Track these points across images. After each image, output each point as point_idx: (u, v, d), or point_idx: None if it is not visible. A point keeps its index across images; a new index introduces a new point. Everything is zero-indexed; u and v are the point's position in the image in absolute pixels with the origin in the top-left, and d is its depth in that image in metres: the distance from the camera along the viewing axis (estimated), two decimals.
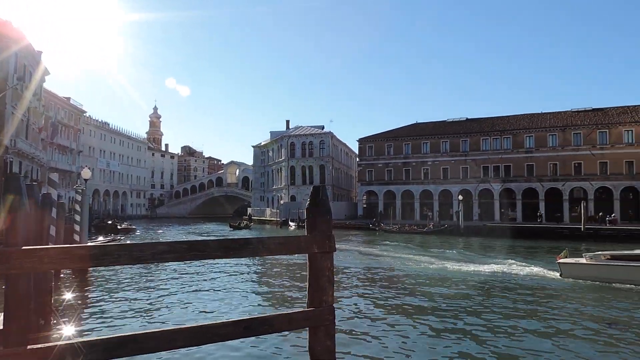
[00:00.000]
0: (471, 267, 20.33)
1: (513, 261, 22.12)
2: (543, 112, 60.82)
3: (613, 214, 46.61)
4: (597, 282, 15.69)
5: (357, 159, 69.18)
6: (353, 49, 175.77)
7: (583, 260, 16.60)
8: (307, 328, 4.23)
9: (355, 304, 12.68)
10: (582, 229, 38.66)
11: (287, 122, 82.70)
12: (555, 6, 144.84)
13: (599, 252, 16.74)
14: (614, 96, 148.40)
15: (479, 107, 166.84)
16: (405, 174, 62.08)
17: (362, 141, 66.27)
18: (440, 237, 40.49)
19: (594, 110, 57.27)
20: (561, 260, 17.09)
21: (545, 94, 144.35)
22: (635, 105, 55.23)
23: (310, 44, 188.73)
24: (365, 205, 65.92)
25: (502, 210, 55.51)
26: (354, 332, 9.72)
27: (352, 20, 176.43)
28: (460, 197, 51.10)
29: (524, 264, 21.22)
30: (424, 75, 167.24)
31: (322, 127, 76.98)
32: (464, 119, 64.50)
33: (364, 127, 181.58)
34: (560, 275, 16.98)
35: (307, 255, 4.24)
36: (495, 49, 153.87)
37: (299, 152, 73.67)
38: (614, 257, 16.04)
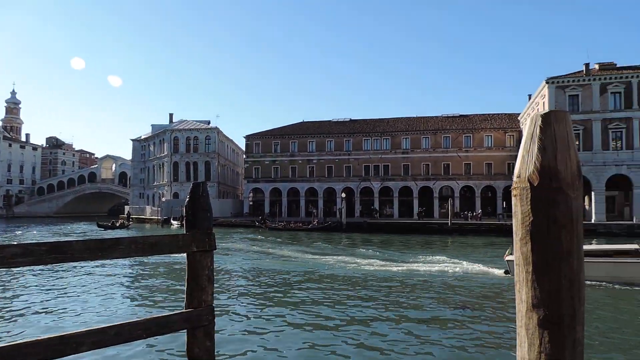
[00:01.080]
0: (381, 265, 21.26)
1: (444, 258, 21.89)
2: (418, 116, 65.92)
3: (480, 211, 52.18)
4: None
5: (244, 156, 68.42)
6: (242, 44, 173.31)
7: None
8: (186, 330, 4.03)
9: (237, 303, 12.52)
10: (449, 224, 42.66)
11: (171, 115, 78.78)
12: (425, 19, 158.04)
13: None
14: (478, 104, 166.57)
15: (362, 109, 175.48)
16: (292, 172, 62.92)
17: (249, 138, 65.69)
18: (323, 234, 41.75)
19: (461, 116, 63.51)
20: (509, 258, 16.57)
21: (421, 99, 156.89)
22: (494, 114, 62.44)
23: (195, 35, 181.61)
24: (251, 203, 65.51)
25: (373, 207, 58.93)
26: (234, 332, 9.58)
27: (241, 13, 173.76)
28: (343, 195, 53.23)
29: (455, 261, 20.93)
30: (311, 75, 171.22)
31: (208, 122, 74.74)
32: (348, 119, 67.26)
33: (251, 124, 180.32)
34: (506, 273, 16.73)
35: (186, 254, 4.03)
36: (380, 51, 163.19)
37: (184, 147, 70.68)
38: None
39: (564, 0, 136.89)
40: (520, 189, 1.86)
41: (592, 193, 42.00)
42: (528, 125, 1.88)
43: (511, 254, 16.67)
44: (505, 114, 62.37)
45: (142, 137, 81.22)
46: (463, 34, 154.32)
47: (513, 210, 1.92)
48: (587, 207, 45.44)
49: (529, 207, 1.81)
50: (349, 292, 13.90)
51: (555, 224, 1.76)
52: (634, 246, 15.72)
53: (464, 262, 20.55)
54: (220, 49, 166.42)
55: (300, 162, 62.71)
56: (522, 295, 1.87)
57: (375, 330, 9.73)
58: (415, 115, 66.06)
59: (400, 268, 19.15)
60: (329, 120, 68.04)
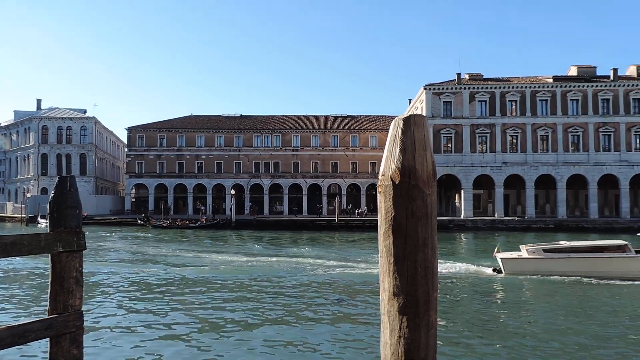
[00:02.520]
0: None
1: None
2: (308, 114, 67.30)
3: (365, 208, 54.85)
4: (536, 276, 15.57)
5: (126, 150, 64.04)
6: (122, 28, 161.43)
7: (525, 255, 16.18)
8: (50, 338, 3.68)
9: (109, 307, 11.71)
10: (337, 221, 44.30)
11: (39, 101, 70.77)
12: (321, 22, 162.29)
13: (536, 247, 16.68)
14: (364, 106, 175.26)
15: (253, 105, 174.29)
16: (179, 167, 60.39)
17: (131, 130, 61.59)
18: (212, 232, 40.79)
19: (348, 117, 66.19)
20: (503, 256, 16.46)
21: (311, 98, 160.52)
22: (379, 115, 66.11)
23: (64, 14, 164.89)
24: (134, 199, 61.60)
25: (251, 204, 58.93)
26: (104, 338, 8.95)
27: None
28: (233, 192, 52.46)
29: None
30: (200, 68, 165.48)
31: (84, 111, 68.60)
32: (239, 115, 66.37)
33: (134, 116, 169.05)
34: (495, 271, 16.44)
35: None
36: (270, 49, 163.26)
37: (54, 137, 64.01)
38: (546, 251, 16.16)
39: (442, 13, 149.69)
40: (384, 186, 2.02)
41: (462, 191, 46.59)
42: (391, 128, 2.04)
43: (500, 251, 17.07)
44: (389, 116, 66.41)
45: (2, 125, 71.95)
46: (352, 38, 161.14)
47: (378, 207, 2.08)
48: (457, 204, 50.30)
49: (391, 203, 1.98)
50: (230, 295, 13.70)
51: (413, 218, 1.94)
52: (623, 242, 16.32)
53: (347, 257, 21.49)
54: (97, 32, 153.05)
55: (188, 157, 60.44)
56: (385, 285, 2.03)
57: (256, 331, 9.76)
58: (305, 114, 67.37)
59: (287, 264, 19.45)
60: (219, 115, 66.50)
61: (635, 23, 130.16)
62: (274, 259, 21.06)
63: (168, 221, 46.82)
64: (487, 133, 47.04)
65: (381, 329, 2.08)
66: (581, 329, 9.61)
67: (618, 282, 14.62)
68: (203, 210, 56.45)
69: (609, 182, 46.45)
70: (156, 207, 55.83)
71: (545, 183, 46.92)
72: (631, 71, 49.76)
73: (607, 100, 46.61)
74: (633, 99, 46.57)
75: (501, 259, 16.28)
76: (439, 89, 47.63)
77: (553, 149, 46.54)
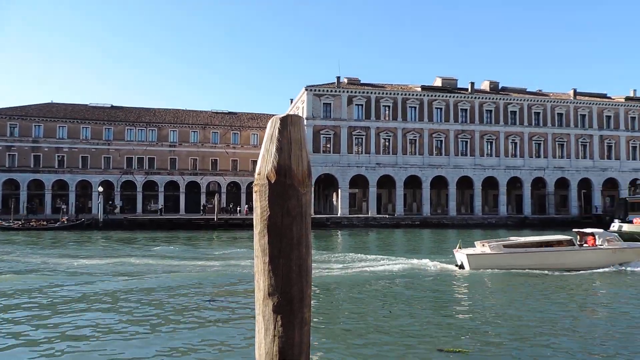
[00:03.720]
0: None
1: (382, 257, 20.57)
2: (187, 109, 64.65)
3: (247, 206, 54.23)
4: (502, 270, 16.35)
5: None
6: None
7: (488, 251, 16.96)
8: None
9: None
10: (216, 219, 43.26)
11: None
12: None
13: (495, 243, 17.53)
14: (246, 103, 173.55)
15: (125, 96, 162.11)
16: (35, 161, 53.78)
17: None
18: (76, 233, 37.12)
19: (229, 113, 65.01)
20: (469, 252, 17.11)
21: (190, 92, 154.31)
22: (261, 113, 66.02)
23: None
24: None
25: (110, 202, 55.29)
26: None
27: None
28: (101, 189, 48.27)
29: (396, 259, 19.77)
30: (62, 50, 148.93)
31: None
32: (109, 105, 61.26)
33: None
34: (459, 267, 17.12)
35: None
36: (146, 39, 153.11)
37: None
38: (505, 246, 17.16)
39: (325, 20, 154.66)
40: (260, 185, 1.99)
41: (339, 190, 48.64)
42: (268, 127, 2.03)
43: (461, 247, 17.79)
44: (272, 114, 66.66)
45: None
46: (235, 37, 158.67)
47: (254, 206, 2.05)
48: (334, 202, 52.38)
49: (267, 202, 1.96)
50: (84, 305, 12.62)
51: (288, 217, 1.95)
52: (569, 237, 17.85)
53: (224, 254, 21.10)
54: None
55: (46, 149, 54.09)
56: (260, 284, 2.01)
57: (118, 342, 9.12)
58: (184, 108, 64.64)
59: (155, 267, 18.48)
60: (86, 105, 60.68)
61: (488, 41, 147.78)
62: (144, 260, 19.83)
63: (19, 222, 41.42)
64: (363, 135, 49.73)
65: (256, 329, 2.06)
66: (542, 313, 10.71)
67: (566, 273, 16.37)
68: (64, 209, 50.94)
69: (465, 183, 52.15)
70: (5, 206, 49.06)
71: (413, 183, 51.10)
72: (485, 85, 56.46)
73: (466, 110, 52.30)
74: (486, 110, 52.89)
75: (467, 255, 17.01)
76: (319, 90, 49.13)
77: (420, 152, 50.86)
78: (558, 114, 54.77)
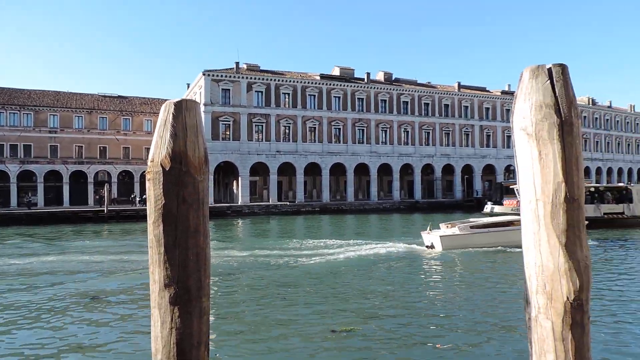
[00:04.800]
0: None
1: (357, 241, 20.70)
2: (70, 91, 59.05)
3: (144, 195, 51.09)
4: (469, 249, 17.58)
5: None
6: None
7: (457, 232, 18.09)
8: None
9: None
10: (106, 211, 40.32)
11: None
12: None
13: (464, 224, 18.70)
14: (137, 87, 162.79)
15: None
16: None
17: None
18: None
19: (119, 97, 60.64)
20: (442, 234, 18.17)
21: (73, 74, 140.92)
22: (155, 98, 62.49)
23: None
24: None
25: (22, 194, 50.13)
26: None
27: None
28: None
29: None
30: None
31: None
32: None
33: None
34: (428, 247, 18.10)
35: None
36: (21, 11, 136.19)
37: None
38: (472, 227, 18.47)
39: (224, 3, 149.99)
40: (154, 172, 1.90)
41: (239, 178, 47.96)
42: (162, 112, 1.94)
43: (431, 229, 18.85)
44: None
45: None
46: (127, 17, 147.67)
47: (147, 195, 1.95)
48: (235, 190, 51.62)
49: (162, 190, 1.88)
50: None
51: (184, 204, 1.88)
52: (517, 217, 18.90)
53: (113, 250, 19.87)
54: None
55: None
56: (155, 276, 1.92)
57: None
58: (66, 90, 58.93)
59: (31, 265, 16.85)
60: None
61: (384, 33, 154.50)
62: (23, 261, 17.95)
63: None
64: (263, 122, 49.44)
65: (152, 322, 1.98)
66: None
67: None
68: None
69: (362, 170, 54.37)
70: None
71: (313, 170, 52.10)
72: (380, 76, 59.04)
73: (362, 99, 54.32)
74: (381, 100, 55.41)
75: (440, 236, 18.11)
76: (218, 76, 47.72)
77: (319, 139, 51.90)
78: (445, 105, 59.20)
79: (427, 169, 58.30)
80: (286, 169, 50.83)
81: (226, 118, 47.77)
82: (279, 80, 50.38)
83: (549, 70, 1.63)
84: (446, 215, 42.04)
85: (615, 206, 27.27)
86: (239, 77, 48.53)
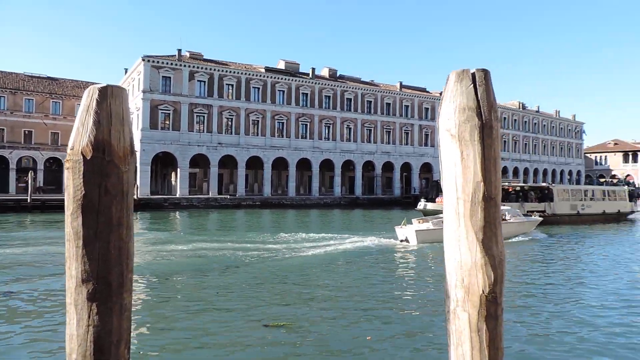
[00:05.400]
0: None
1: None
2: None
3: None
4: (442, 243, 17.73)
5: None
6: None
7: (432, 227, 18.86)
8: None
9: None
10: (29, 200, 37.77)
11: None
12: None
13: (436, 219, 19.33)
14: (69, 69, 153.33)
15: None
16: None
17: None
18: None
19: (49, 78, 56.83)
20: (417, 228, 18.94)
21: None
22: (88, 82, 59.11)
23: None
24: None
25: None
26: None
27: None
28: None
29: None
30: None
31: None
32: None
33: None
34: (402, 241, 18.91)
35: None
36: None
37: None
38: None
39: None
40: (73, 161, 1.80)
41: (178, 169, 46.53)
42: (84, 98, 1.84)
43: (406, 224, 19.54)
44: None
45: None
46: None
47: (65, 184, 1.85)
48: (173, 182, 50.07)
49: (82, 180, 1.78)
50: None
51: (107, 196, 1.80)
52: None
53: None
54: None
55: None
56: (72, 271, 1.83)
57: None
58: None
59: None
60: None
61: (330, 29, 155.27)
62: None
63: None
64: (205, 113, 48.22)
65: (67, 320, 1.87)
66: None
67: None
68: None
69: (304, 165, 54.52)
70: None
71: (255, 164, 51.56)
72: (325, 72, 59.34)
73: (307, 94, 54.37)
74: (325, 95, 55.74)
75: (415, 230, 18.90)
76: (158, 62, 45.91)
77: (262, 133, 51.41)
78: (386, 103, 60.57)
79: (368, 166, 59.45)
80: (228, 162, 49.94)
81: (166, 107, 46.11)
82: (222, 71, 49.30)
83: (473, 74, 1.71)
84: (385, 211, 43.17)
85: (538, 205, 29.21)
86: (180, 65, 46.97)
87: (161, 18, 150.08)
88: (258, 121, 51.24)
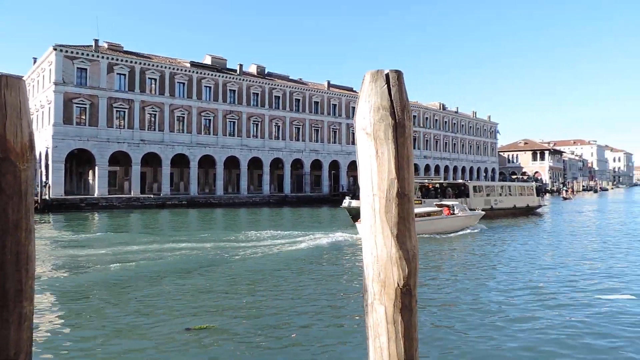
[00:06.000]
0: None
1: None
2: None
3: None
4: None
5: None
6: None
7: None
8: None
9: None
10: None
11: None
12: None
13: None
14: None
15: None
16: None
17: None
18: None
19: None
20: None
21: None
22: None
23: None
24: None
25: None
26: None
27: None
28: None
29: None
30: None
31: None
32: None
33: None
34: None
35: None
36: None
37: None
38: None
39: None
40: None
41: (96, 168, 43.80)
42: None
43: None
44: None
45: None
46: None
47: None
48: (91, 181, 47.11)
49: None
50: None
51: (2, 196, 1.65)
52: (437, 209, 22.78)
53: None
54: None
55: None
56: None
57: None
58: None
59: None
60: None
61: (258, 25, 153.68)
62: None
63: None
64: (126, 108, 45.82)
65: None
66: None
67: (445, 236, 21.09)
68: None
69: (232, 163, 53.61)
70: None
71: (180, 162, 49.86)
72: (253, 69, 58.69)
73: (234, 91, 53.46)
74: (253, 93, 55.13)
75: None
76: (72, 52, 42.85)
77: (188, 130, 49.81)
78: (315, 102, 61.14)
79: (297, 164, 59.69)
80: (151, 160, 47.84)
81: (82, 101, 43.19)
82: (145, 64, 47.08)
83: (387, 75, 1.77)
84: (314, 209, 43.57)
85: (455, 200, 30.94)
86: (98, 57, 44.20)
87: (75, 6, 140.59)
88: (183, 117, 49.58)
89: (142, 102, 46.56)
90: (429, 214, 22.14)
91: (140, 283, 11.70)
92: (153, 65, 47.59)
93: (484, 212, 26.66)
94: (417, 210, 23.69)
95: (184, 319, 8.47)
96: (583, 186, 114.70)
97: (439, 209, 23.20)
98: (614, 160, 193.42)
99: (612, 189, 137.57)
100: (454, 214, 23.10)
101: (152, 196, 45.28)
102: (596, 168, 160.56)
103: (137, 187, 45.56)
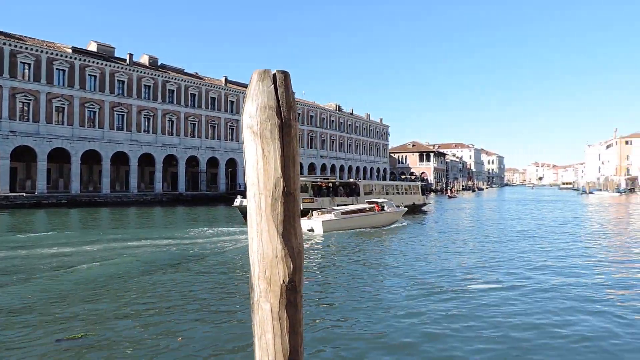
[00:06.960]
0: None
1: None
2: None
3: None
4: (341, 231, 22.07)
5: None
6: None
7: (334, 217, 22.61)
8: None
9: None
10: None
11: None
12: None
13: (336, 210, 23.98)
14: None
15: None
16: None
17: None
18: None
19: None
20: (323, 219, 22.24)
21: None
22: None
23: None
24: None
25: None
26: None
27: None
28: None
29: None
30: None
31: None
32: None
33: None
34: (310, 231, 21.47)
35: None
36: None
37: None
38: (343, 213, 23.40)
39: None
40: None
41: None
42: None
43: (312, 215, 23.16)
44: None
45: None
46: None
47: None
48: None
49: None
50: None
51: None
52: (370, 205, 25.25)
53: None
54: None
55: None
56: None
57: None
58: None
59: None
60: None
61: (150, 14, 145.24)
62: None
63: None
64: None
65: None
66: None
67: (377, 229, 23.49)
68: None
69: (120, 159, 50.16)
70: None
71: (60, 157, 45.49)
72: (144, 59, 55.43)
73: (123, 82, 50.04)
74: (145, 85, 52.10)
75: (322, 220, 22.05)
76: None
77: (69, 122, 45.60)
78: (211, 97, 59.58)
79: (192, 161, 57.71)
80: (23, 154, 42.98)
81: None
82: (16, 46, 42.07)
83: (274, 75, 1.79)
84: (210, 208, 42.43)
85: (347, 199, 32.13)
86: None
87: None
88: (63, 108, 45.26)
89: (12, 89, 41.60)
90: (362, 210, 24.86)
91: (5, 293, 10.44)
92: (27, 48, 42.76)
93: (406, 209, 29.95)
94: (351, 207, 26.01)
95: (52, 327, 7.74)
96: (463, 186, 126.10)
97: (371, 205, 25.76)
98: (489, 162, 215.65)
99: (487, 188, 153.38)
100: (383, 210, 25.71)
101: (24, 194, 40.72)
102: (474, 170, 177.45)
103: (5, 184, 40.58)
